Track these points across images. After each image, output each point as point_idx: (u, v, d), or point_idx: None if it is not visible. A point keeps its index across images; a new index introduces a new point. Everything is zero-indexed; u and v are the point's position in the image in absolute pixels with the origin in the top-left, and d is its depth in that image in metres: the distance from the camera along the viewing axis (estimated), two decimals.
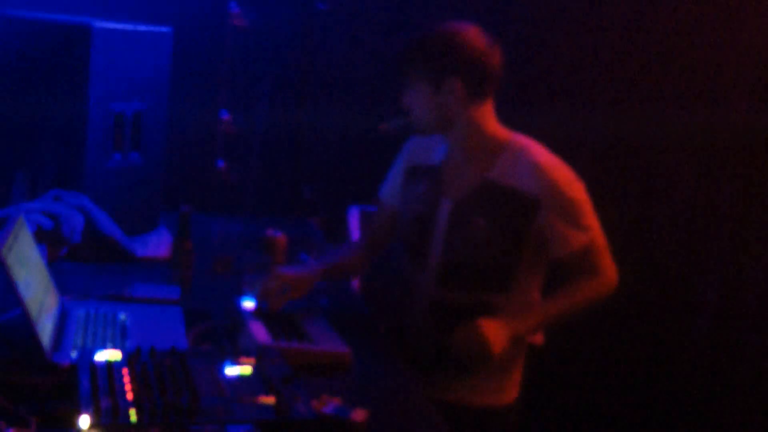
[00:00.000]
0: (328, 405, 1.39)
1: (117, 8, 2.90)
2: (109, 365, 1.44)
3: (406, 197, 2.10)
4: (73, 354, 1.56)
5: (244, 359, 1.50)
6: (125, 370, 1.42)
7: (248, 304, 1.91)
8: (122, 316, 1.84)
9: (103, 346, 1.61)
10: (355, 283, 2.48)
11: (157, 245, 2.57)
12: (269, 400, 1.35)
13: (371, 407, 1.41)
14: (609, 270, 1.93)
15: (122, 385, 1.36)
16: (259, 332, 1.76)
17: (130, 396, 1.32)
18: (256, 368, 1.47)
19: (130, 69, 2.51)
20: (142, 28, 2.57)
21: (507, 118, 2.00)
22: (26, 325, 1.53)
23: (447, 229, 1.96)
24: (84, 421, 1.21)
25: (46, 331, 1.61)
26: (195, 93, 3.29)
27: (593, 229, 1.91)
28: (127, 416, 1.25)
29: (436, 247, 1.98)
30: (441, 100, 1.91)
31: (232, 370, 1.45)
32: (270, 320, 1.85)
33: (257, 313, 1.88)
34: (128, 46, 2.50)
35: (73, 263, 2.30)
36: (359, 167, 3.37)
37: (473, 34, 1.90)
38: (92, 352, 1.48)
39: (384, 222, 2.21)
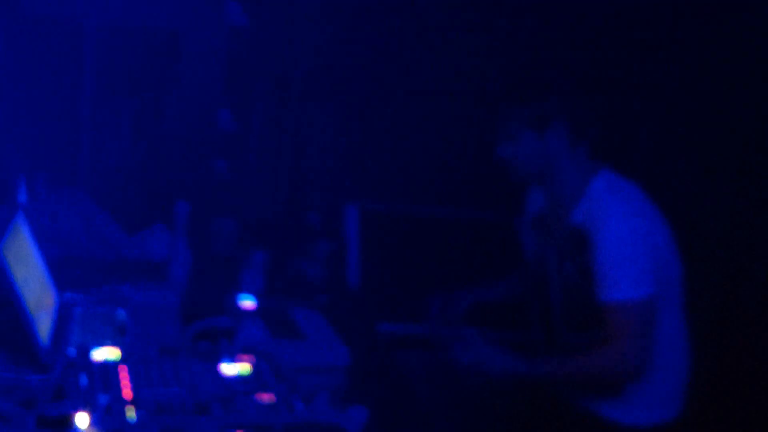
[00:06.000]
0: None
1: None
2: (107, 363, 1.44)
3: (528, 247, 2.06)
4: (71, 352, 1.55)
5: (242, 358, 1.50)
6: (123, 368, 1.42)
7: (247, 303, 1.91)
8: (121, 314, 1.84)
9: (102, 344, 1.61)
10: None
11: (155, 243, 2.57)
12: (268, 398, 1.34)
13: (368, 406, 1.41)
14: (626, 349, 1.68)
15: (120, 383, 1.36)
16: (257, 331, 1.75)
17: (127, 394, 1.31)
18: (254, 367, 1.47)
19: None
20: None
21: None
22: (23, 323, 1.53)
23: (556, 277, 1.89)
24: (81, 420, 1.21)
25: (43, 328, 1.61)
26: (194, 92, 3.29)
27: (631, 295, 1.67)
28: (125, 415, 1.25)
29: (554, 294, 1.91)
30: (543, 146, 1.80)
31: (230, 369, 1.45)
32: (268, 319, 1.84)
33: (255, 311, 1.88)
34: None
35: (71, 261, 2.30)
36: (356, 166, 3.37)
37: (569, 77, 1.82)
38: (90, 350, 1.48)
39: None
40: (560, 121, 1.77)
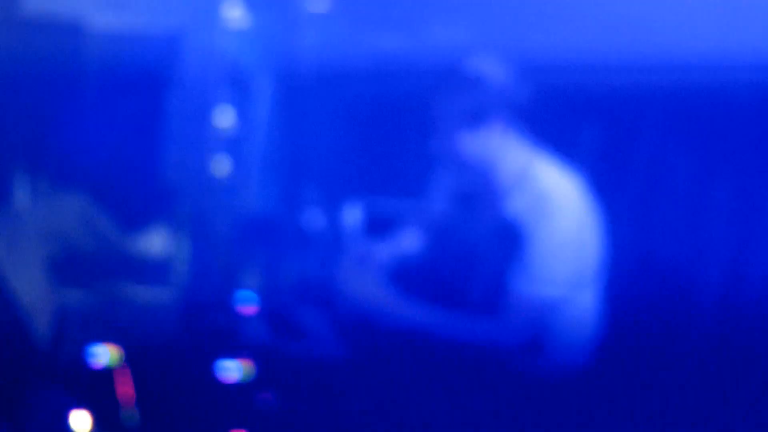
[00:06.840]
0: None
1: None
2: (106, 364, 1.44)
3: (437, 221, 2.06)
4: (72, 352, 1.55)
5: (242, 358, 1.50)
6: (123, 369, 1.42)
7: (247, 303, 1.92)
8: (123, 312, 1.84)
9: (102, 344, 1.61)
10: None
11: (155, 243, 2.56)
12: (267, 398, 1.34)
13: (366, 404, 1.41)
14: (510, 336, 1.74)
15: (120, 383, 1.36)
16: (257, 331, 1.75)
17: (127, 395, 1.31)
18: (254, 367, 1.47)
19: None
20: None
21: None
22: (23, 323, 1.53)
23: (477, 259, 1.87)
24: (81, 420, 1.21)
25: (43, 328, 1.61)
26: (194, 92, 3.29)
27: (544, 294, 1.72)
28: (125, 415, 1.25)
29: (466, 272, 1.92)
30: (479, 142, 1.76)
31: (230, 369, 1.45)
32: (268, 319, 1.84)
33: (256, 311, 1.88)
34: None
35: (71, 261, 2.30)
36: (357, 166, 3.37)
37: (499, 65, 1.76)
38: (90, 350, 1.48)
39: None
40: (498, 114, 1.71)
